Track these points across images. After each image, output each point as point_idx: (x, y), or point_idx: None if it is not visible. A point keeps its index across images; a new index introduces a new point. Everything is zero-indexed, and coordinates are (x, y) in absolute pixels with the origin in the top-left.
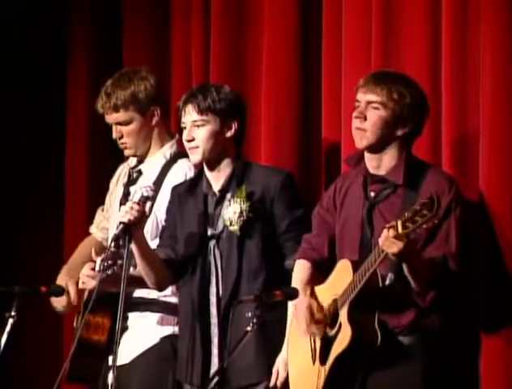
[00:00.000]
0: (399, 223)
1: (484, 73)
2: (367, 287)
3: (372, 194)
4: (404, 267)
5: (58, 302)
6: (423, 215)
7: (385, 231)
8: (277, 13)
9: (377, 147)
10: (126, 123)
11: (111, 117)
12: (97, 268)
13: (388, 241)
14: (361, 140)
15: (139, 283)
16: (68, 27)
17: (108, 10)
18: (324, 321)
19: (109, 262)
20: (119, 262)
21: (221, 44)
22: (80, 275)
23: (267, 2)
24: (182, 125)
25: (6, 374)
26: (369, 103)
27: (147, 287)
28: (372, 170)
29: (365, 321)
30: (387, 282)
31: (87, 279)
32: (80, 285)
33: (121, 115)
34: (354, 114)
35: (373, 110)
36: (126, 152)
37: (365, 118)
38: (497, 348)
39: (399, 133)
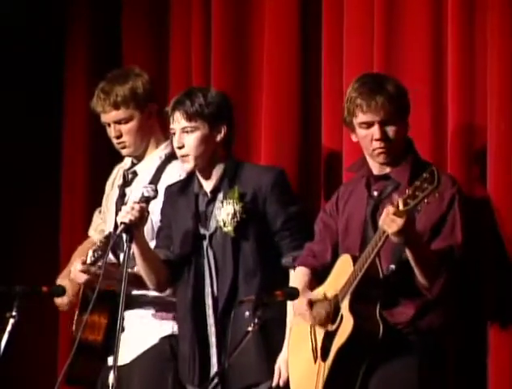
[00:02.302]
0: (400, 200)
1: (491, 71)
2: (367, 277)
3: (375, 193)
4: (408, 253)
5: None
6: (424, 189)
7: (385, 210)
8: (278, 13)
9: (395, 159)
10: (126, 121)
11: (110, 116)
12: (88, 260)
13: (388, 219)
14: (385, 159)
15: (138, 282)
16: (67, 26)
17: (108, 9)
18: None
19: (100, 252)
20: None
21: (222, 45)
22: (72, 268)
23: (268, 1)
24: (171, 131)
25: (5, 373)
26: (381, 122)
27: (145, 287)
28: (376, 172)
29: (367, 312)
30: (388, 274)
31: (78, 273)
32: (71, 276)
33: (121, 112)
34: (376, 137)
35: (390, 127)
36: (124, 152)
37: (388, 139)
38: (505, 346)
39: (406, 129)
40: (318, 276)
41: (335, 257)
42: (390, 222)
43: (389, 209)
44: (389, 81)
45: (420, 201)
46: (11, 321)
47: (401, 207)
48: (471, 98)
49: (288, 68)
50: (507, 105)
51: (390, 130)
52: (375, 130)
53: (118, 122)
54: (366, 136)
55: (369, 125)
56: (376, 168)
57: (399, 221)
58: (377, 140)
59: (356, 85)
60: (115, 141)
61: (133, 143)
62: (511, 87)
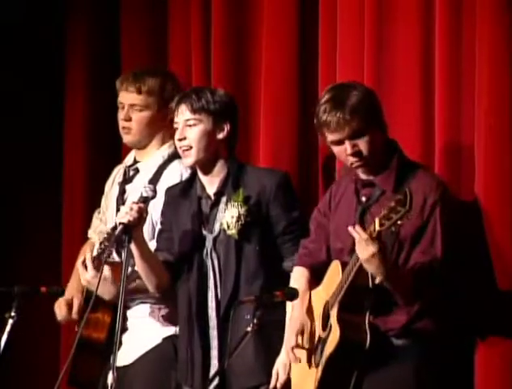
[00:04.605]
0: (377, 220)
1: (480, 75)
2: (356, 286)
3: (363, 198)
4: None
5: (60, 312)
6: (397, 211)
7: (353, 232)
8: (276, 15)
9: (377, 165)
10: (141, 108)
11: (129, 97)
12: (95, 253)
13: (361, 245)
14: (365, 171)
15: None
16: (67, 27)
17: (107, 10)
18: (309, 349)
19: (106, 243)
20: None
21: (221, 47)
22: (82, 279)
23: (267, 3)
24: (175, 125)
25: (5, 374)
26: (350, 138)
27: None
28: (363, 176)
29: (355, 321)
30: (377, 280)
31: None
32: (83, 283)
33: (141, 98)
34: (348, 153)
35: (361, 140)
36: (127, 138)
37: (361, 153)
38: (493, 350)
39: (381, 133)
40: (316, 274)
41: (330, 256)
42: (361, 248)
43: (361, 234)
44: (352, 92)
45: (394, 223)
46: (10, 321)
47: (377, 227)
48: (459, 101)
49: (286, 70)
50: (496, 101)
51: (362, 143)
52: (346, 147)
53: (133, 106)
54: (340, 152)
55: (339, 142)
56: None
57: (370, 249)
58: (349, 155)
59: (322, 101)
60: (122, 124)
61: (138, 133)
62: (500, 89)
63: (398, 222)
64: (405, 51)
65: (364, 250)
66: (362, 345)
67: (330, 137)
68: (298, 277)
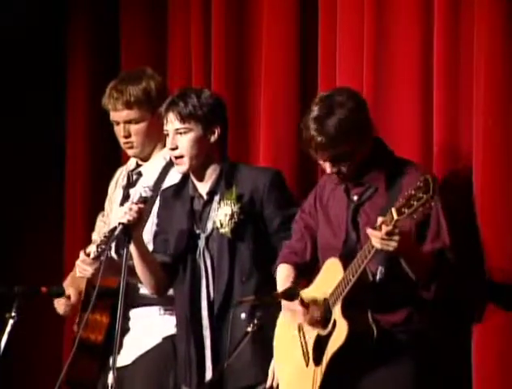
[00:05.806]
0: (394, 210)
1: (478, 77)
2: (358, 283)
3: (355, 197)
4: (402, 260)
5: (59, 305)
6: (419, 198)
7: (370, 230)
8: (276, 15)
9: (361, 169)
10: (137, 121)
11: (121, 115)
12: (92, 255)
13: (384, 240)
14: (346, 182)
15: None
16: (67, 27)
17: (107, 10)
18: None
19: (103, 246)
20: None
21: (221, 46)
22: (76, 264)
23: (267, 2)
24: (165, 132)
25: (6, 374)
26: (329, 160)
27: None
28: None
29: (359, 317)
30: (378, 276)
31: (83, 266)
32: (78, 274)
33: (133, 112)
34: (327, 172)
35: (341, 162)
36: (131, 152)
37: (340, 171)
38: (490, 345)
39: (367, 146)
40: (301, 273)
41: (314, 256)
42: (387, 242)
43: (381, 231)
44: (337, 113)
45: (416, 210)
46: (10, 321)
47: (395, 216)
48: (456, 98)
49: (286, 70)
50: (494, 101)
51: (343, 166)
52: (326, 166)
53: (128, 122)
54: (324, 166)
55: (322, 160)
56: None
57: (396, 238)
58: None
59: (310, 116)
60: (123, 140)
61: (140, 144)
62: (498, 90)
63: (420, 209)
64: (404, 50)
65: (391, 242)
66: (369, 339)
67: (314, 154)
68: (284, 273)
